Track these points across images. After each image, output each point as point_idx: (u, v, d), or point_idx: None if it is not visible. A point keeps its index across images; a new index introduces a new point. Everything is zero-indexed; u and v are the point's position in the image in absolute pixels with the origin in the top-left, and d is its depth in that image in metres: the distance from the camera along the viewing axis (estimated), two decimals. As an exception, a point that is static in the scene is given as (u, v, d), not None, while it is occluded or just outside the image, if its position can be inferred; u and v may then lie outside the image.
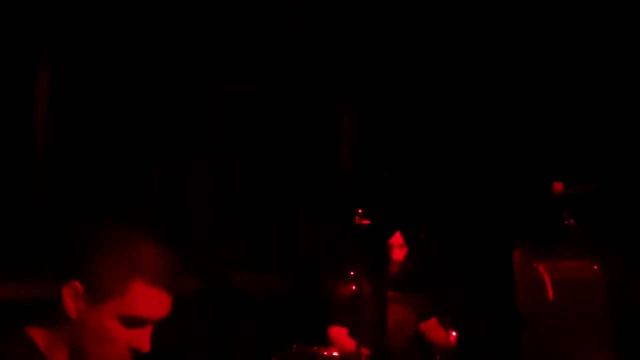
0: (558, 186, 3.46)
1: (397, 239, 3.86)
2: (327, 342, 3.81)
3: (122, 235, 1.81)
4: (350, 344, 3.73)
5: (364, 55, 4.52)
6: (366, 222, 3.05)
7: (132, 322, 1.79)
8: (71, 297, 1.78)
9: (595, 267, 3.41)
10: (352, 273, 3.45)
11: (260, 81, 4.52)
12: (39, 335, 1.82)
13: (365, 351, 3.28)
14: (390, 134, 4.49)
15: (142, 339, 1.82)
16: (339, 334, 3.86)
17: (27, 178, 3.91)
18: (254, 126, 4.52)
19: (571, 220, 3.38)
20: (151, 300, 1.80)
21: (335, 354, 3.56)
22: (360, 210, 3.07)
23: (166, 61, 4.30)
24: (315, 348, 3.60)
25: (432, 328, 3.72)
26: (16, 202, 3.86)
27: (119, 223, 1.85)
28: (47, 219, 3.87)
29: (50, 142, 3.98)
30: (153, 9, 4.20)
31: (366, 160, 4.44)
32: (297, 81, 4.55)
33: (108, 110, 4.13)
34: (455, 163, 4.47)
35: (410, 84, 4.54)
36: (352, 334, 3.77)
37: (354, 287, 3.39)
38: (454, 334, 3.55)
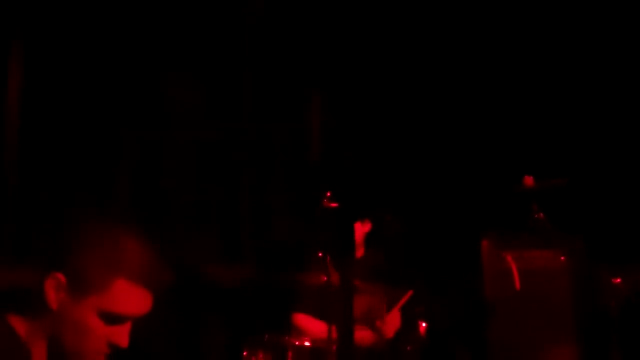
0: (528, 180, 3.50)
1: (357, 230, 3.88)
2: (293, 330, 3.83)
3: (107, 232, 1.82)
4: (317, 329, 3.75)
5: (331, 38, 4.51)
6: (334, 204, 3.06)
7: (112, 318, 1.80)
8: (53, 289, 1.79)
9: (561, 257, 3.48)
10: (320, 254, 3.46)
11: (229, 66, 4.49)
12: (19, 324, 1.82)
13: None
14: (359, 118, 4.48)
15: (121, 334, 1.83)
16: (305, 320, 3.88)
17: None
18: (222, 112, 4.50)
19: (540, 214, 3.43)
20: (132, 298, 1.81)
21: (307, 343, 3.59)
22: (328, 194, 3.08)
23: (134, 53, 4.28)
24: (287, 338, 3.63)
25: (387, 320, 3.75)
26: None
27: (105, 219, 1.86)
28: (18, 206, 3.84)
29: (21, 129, 3.95)
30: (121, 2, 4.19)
31: (335, 144, 4.44)
32: (266, 66, 4.53)
33: (80, 102, 4.10)
34: (425, 151, 4.48)
35: (380, 68, 4.53)
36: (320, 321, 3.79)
37: (324, 277, 3.41)
38: (423, 324, 3.60)
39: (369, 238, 3.94)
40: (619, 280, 3.41)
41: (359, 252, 3.95)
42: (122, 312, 1.81)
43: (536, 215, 3.53)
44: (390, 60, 4.52)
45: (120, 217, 1.89)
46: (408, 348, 3.69)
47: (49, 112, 4.03)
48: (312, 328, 3.82)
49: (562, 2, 4.34)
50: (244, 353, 3.59)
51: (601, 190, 4.06)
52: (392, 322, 3.74)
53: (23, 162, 3.93)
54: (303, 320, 3.89)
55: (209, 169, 4.44)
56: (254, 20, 4.46)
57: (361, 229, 3.89)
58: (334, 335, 3.28)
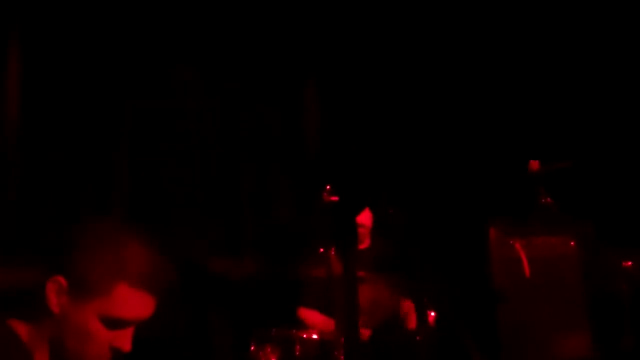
0: (534, 164, 3.47)
1: (363, 217, 3.86)
2: (300, 324, 3.81)
3: (110, 236, 1.80)
4: (323, 323, 3.73)
5: (329, 30, 4.48)
6: (335, 198, 3.03)
7: (114, 322, 1.78)
8: (55, 292, 1.76)
9: (571, 242, 3.45)
10: (321, 250, 3.43)
11: (225, 59, 4.46)
12: (21, 328, 1.80)
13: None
14: (359, 109, 4.46)
15: (124, 339, 1.81)
16: (311, 315, 3.86)
17: None
18: (221, 106, 4.48)
19: (548, 199, 3.40)
20: (135, 303, 1.79)
21: (314, 336, 3.57)
22: (328, 187, 3.05)
23: (135, 44, 4.24)
24: (294, 331, 3.61)
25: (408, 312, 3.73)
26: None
27: (107, 222, 1.84)
28: (20, 208, 3.82)
29: (21, 130, 3.92)
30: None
31: (334, 137, 4.41)
32: (263, 58, 4.50)
33: (79, 99, 4.08)
34: (430, 139, 4.45)
35: (379, 58, 4.50)
36: (326, 314, 3.77)
37: (326, 272, 3.38)
38: (432, 314, 3.56)
39: (374, 227, 3.92)
40: (630, 263, 3.37)
41: (365, 243, 3.93)
42: (125, 316, 1.78)
43: (543, 200, 3.50)
44: (390, 48, 4.48)
45: (122, 220, 1.87)
46: (417, 338, 3.66)
47: (48, 111, 4.00)
48: (317, 322, 3.80)
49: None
50: (252, 347, 3.57)
51: (609, 172, 4.03)
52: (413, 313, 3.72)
53: (24, 163, 3.91)
54: (309, 314, 3.87)
55: (209, 164, 4.42)
56: (251, 8, 4.42)
57: (366, 220, 3.87)
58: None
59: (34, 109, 3.98)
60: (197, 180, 4.41)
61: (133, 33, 4.21)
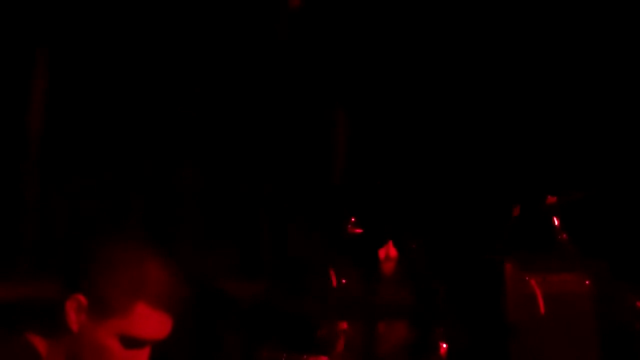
0: (551, 199, 3.48)
1: (391, 250, 3.86)
2: (316, 350, 3.80)
3: (129, 255, 1.83)
4: None
5: (357, 59, 4.53)
6: (358, 230, 3.05)
7: (132, 342, 1.81)
8: (74, 311, 1.79)
9: (586, 281, 3.44)
10: (343, 282, 3.44)
11: (252, 89, 4.51)
12: (40, 344, 1.84)
13: None
14: (383, 142, 4.49)
15: (141, 358, 1.83)
16: None
17: (17, 177, 3.88)
18: (246, 132, 4.51)
19: (564, 235, 3.40)
20: (153, 323, 1.82)
21: (326, 363, 3.55)
22: (352, 219, 3.07)
23: (158, 65, 4.28)
24: (305, 357, 3.60)
25: None
26: (5, 202, 3.84)
27: (126, 241, 1.87)
28: (37, 219, 3.85)
29: (42, 141, 3.95)
30: (150, 10, 4.18)
31: (359, 169, 4.44)
32: (289, 88, 4.54)
33: (103, 114, 4.10)
34: (448, 175, 4.47)
35: (404, 95, 4.54)
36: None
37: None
38: (444, 345, 3.55)
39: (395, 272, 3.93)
40: (644, 303, 3.36)
41: (387, 287, 3.92)
42: (143, 336, 1.81)
43: (559, 237, 3.49)
44: (411, 87, 4.52)
45: (141, 239, 1.90)
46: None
47: (70, 129, 4.03)
48: None
49: (582, 20, 4.33)
50: (262, 373, 3.56)
51: (626, 209, 4.01)
52: None
53: (45, 182, 3.94)
54: None
55: (228, 186, 4.44)
56: (279, 40, 4.47)
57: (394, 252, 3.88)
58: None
59: (57, 126, 4.01)
60: (216, 201, 4.43)
61: (158, 52, 4.24)
